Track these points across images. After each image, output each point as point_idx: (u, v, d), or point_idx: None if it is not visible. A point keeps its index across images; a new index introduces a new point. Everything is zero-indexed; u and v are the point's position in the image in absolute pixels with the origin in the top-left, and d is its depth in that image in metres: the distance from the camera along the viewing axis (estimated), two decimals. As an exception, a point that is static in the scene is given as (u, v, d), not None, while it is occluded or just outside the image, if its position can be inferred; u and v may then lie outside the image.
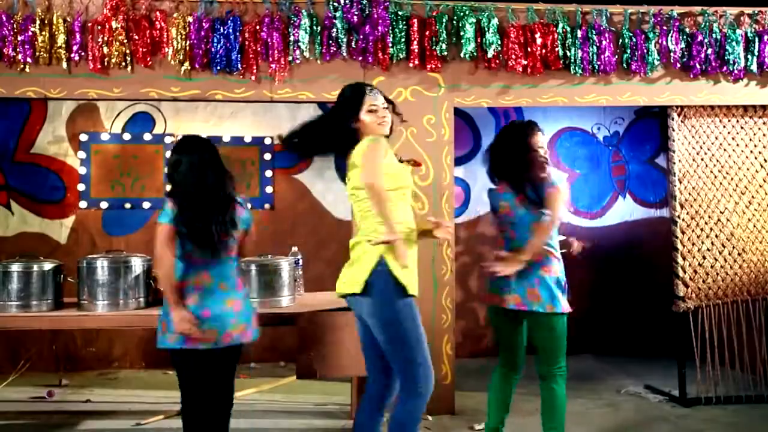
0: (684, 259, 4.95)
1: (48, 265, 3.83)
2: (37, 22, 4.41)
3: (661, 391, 5.15)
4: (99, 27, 4.45)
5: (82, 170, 6.28)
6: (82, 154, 6.29)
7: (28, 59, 4.40)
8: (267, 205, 6.45)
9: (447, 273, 4.75)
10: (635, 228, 7.01)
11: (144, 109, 6.36)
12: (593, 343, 6.58)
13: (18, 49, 4.39)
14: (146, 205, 6.27)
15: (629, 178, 7.11)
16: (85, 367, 6.08)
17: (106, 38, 4.45)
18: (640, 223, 7.02)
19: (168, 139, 6.34)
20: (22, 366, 5.69)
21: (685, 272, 4.94)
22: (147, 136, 6.37)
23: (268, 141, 6.51)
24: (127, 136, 6.35)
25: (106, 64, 4.47)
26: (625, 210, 7.09)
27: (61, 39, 4.42)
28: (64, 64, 4.45)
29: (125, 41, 4.48)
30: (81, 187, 6.26)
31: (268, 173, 6.52)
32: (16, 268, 3.76)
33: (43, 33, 4.40)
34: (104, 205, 6.27)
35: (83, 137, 6.30)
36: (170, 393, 4.94)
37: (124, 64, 4.50)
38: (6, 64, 4.41)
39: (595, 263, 6.71)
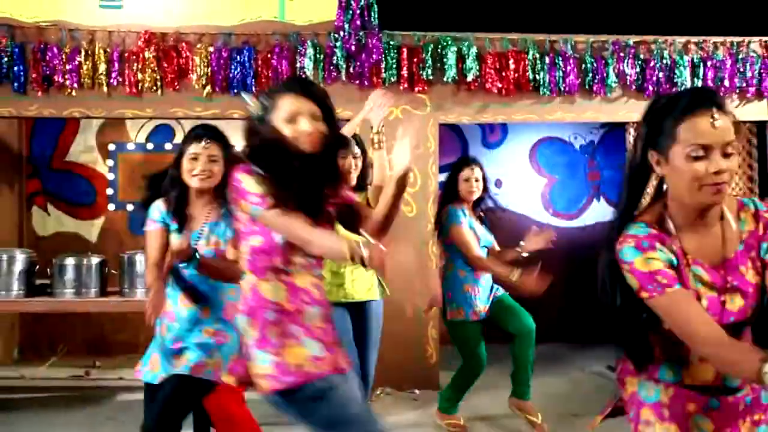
0: (639, 255, 5.69)
1: (95, 259, 4.59)
2: (82, 53, 5.17)
3: (620, 371, 5.89)
4: (134, 57, 5.22)
5: (111, 176, 7.04)
6: (110, 162, 7.05)
7: (75, 85, 5.17)
8: (275, 208, 7.20)
9: (432, 266, 5.48)
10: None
11: (165, 121, 7.11)
12: (569, 332, 7.30)
13: (66, 77, 5.15)
14: (168, 207, 7.01)
15: (603, 182, 7.83)
16: (115, 352, 6.80)
17: (140, 66, 5.22)
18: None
19: (187, 149, 7.09)
20: (60, 351, 6.44)
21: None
22: (168, 146, 7.12)
23: (276, 150, 7.25)
24: (150, 146, 7.11)
25: (140, 88, 5.24)
26: (599, 212, 7.81)
27: (102, 67, 5.19)
28: (105, 89, 5.21)
29: (156, 68, 5.24)
30: (109, 191, 7.01)
31: (276, 179, 7.25)
32: (69, 261, 4.51)
33: (87, 62, 5.17)
34: (130, 207, 7.00)
35: (111, 147, 7.06)
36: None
37: (155, 88, 5.26)
38: (56, 89, 5.18)
39: (573, 261, 7.44)
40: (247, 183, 2.00)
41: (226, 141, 2.94)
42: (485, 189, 4.33)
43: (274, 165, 2.03)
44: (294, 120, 2.08)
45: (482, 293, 4.26)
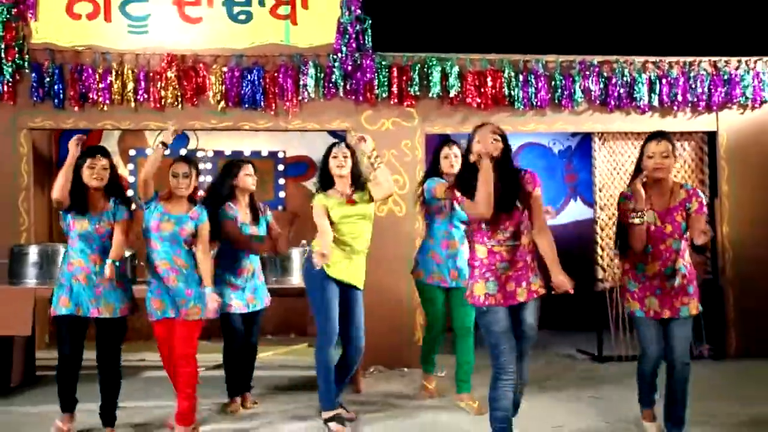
0: (603, 250, 6.44)
1: (128, 252, 5.29)
2: (113, 73, 5.93)
3: (587, 352, 6.64)
4: (158, 76, 5.97)
5: (131, 179, 7.77)
6: (130, 166, 7.79)
7: (106, 101, 5.92)
8: (280, 207, 7.91)
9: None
10: (584, 226, 8.41)
11: (181, 129, 7.83)
12: (545, 320, 7.98)
13: (99, 94, 5.90)
14: (183, 207, 7.73)
15: (579, 184, 8.54)
16: (134, 337, 7.50)
17: (163, 84, 5.97)
18: (587, 222, 8.41)
19: (200, 154, 7.84)
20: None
21: (603, 260, 6.42)
22: (183, 151, 7.86)
23: (281, 155, 7.99)
24: (166, 152, 7.79)
25: (163, 103, 5.98)
26: (576, 211, 8.53)
27: (130, 85, 5.94)
28: (132, 104, 5.96)
29: (177, 86, 5.99)
30: (130, 192, 7.71)
31: (281, 181, 8.00)
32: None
33: (117, 81, 5.92)
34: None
35: (132, 152, 7.80)
36: (207, 355, 6.42)
37: (176, 103, 6.00)
38: (90, 104, 5.94)
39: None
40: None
41: (110, 155, 4.23)
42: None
43: (465, 177, 3.65)
44: (482, 141, 3.59)
45: (444, 263, 4.74)
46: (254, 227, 4.81)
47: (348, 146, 4.48)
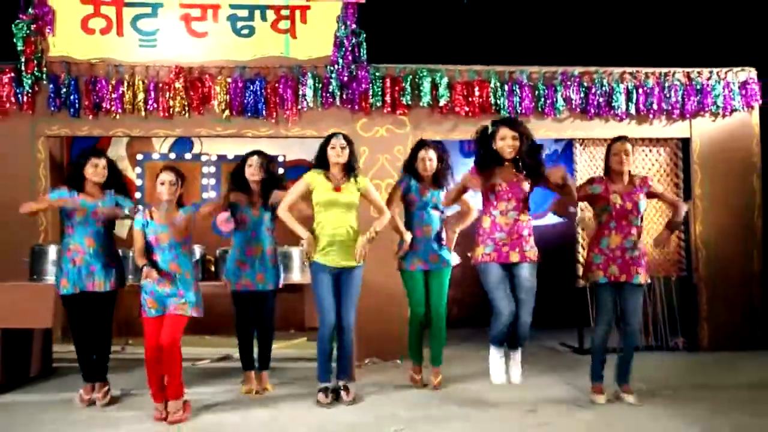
0: (584, 248, 6.84)
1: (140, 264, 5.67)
2: (125, 84, 6.33)
3: (569, 346, 7.04)
4: (166, 87, 6.38)
5: (138, 182, 8.18)
6: (138, 170, 8.20)
7: (119, 110, 6.33)
8: (280, 209, 8.31)
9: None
10: (569, 226, 8.82)
11: (186, 135, 8.23)
12: (533, 317, 8.37)
13: (112, 103, 6.31)
14: (188, 209, 8.11)
15: (565, 187, 8.94)
16: (141, 333, 7.88)
17: (171, 94, 6.38)
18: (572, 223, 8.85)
19: (204, 158, 8.24)
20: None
21: (584, 258, 6.82)
22: (188, 156, 8.26)
23: (280, 158, 8.38)
24: (172, 156, 8.24)
25: (171, 112, 6.39)
26: (562, 212, 8.92)
27: (140, 95, 6.34)
28: (143, 113, 6.37)
29: (184, 96, 6.39)
30: (137, 195, 8.14)
31: (281, 184, 8.38)
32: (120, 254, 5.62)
33: (129, 91, 6.33)
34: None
35: (139, 156, 8.20)
36: (211, 349, 6.81)
37: (183, 112, 6.41)
38: (104, 113, 6.35)
39: (540, 255, 8.51)
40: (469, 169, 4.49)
41: (111, 158, 5.00)
42: (446, 167, 5.14)
43: (483, 159, 4.39)
44: (503, 138, 4.30)
45: (423, 249, 5.08)
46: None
47: (346, 138, 4.82)
